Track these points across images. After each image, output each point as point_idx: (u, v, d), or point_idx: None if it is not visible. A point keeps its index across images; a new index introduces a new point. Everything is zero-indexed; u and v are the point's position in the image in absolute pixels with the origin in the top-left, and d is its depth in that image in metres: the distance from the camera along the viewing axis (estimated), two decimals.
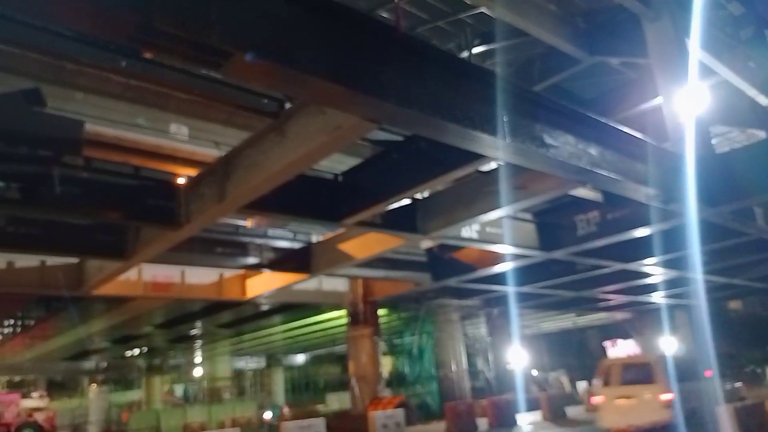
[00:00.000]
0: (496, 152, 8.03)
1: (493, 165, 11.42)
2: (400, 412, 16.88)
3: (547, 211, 16.31)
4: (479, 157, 9.33)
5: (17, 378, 44.08)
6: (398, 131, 10.94)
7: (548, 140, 7.96)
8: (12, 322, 27.12)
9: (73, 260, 15.59)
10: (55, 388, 52.30)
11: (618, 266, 19.38)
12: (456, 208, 13.03)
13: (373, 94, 6.19)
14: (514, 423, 19.02)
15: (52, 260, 15.44)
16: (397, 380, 27.57)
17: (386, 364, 28.72)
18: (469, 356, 29.36)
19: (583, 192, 13.18)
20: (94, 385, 45.11)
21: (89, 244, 12.90)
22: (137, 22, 4.94)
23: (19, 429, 26.89)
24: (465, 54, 10.88)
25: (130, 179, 10.62)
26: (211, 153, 10.96)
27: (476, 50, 11.42)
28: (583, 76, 12.50)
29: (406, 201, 12.86)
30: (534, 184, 11.36)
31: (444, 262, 19.79)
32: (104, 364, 41.97)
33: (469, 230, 14.67)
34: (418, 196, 13.22)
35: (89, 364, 41.34)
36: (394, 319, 27.89)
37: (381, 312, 25.21)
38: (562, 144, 8.19)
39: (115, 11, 4.86)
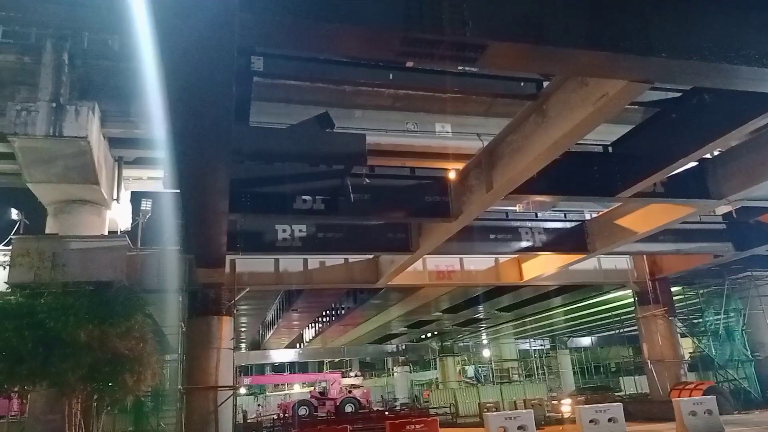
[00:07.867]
0: None
1: None
2: (711, 399, 15.02)
3: None
4: None
5: (336, 359, 51.84)
6: (674, 87, 9.80)
7: None
8: (328, 312, 31.94)
9: (370, 257, 17.81)
10: (366, 368, 60.29)
11: None
12: (760, 164, 11.16)
13: (641, 52, 5.70)
14: None
15: (353, 258, 17.88)
16: (702, 364, 24.65)
17: (687, 346, 25.93)
18: None
19: None
20: (397, 366, 50.59)
21: (381, 241, 14.74)
22: (401, 37, 5.46)
23: (342, 403, 31.83)
24: None
25: (408, 180, 11.74)
26: (474, 145, 11.41)
27: None
28: None
29: (693, 163, 11.46)
30: None
31: (749, 228, 17.17)
32: (404, 347, 46.79)
33: None
34: (708, 155, 11.66)
35: (391, 347, 46.60)
36: (691, 297, 25.06)
37: (674, 289, 22.96)
38: None
39: (381, 32, 5.45)
